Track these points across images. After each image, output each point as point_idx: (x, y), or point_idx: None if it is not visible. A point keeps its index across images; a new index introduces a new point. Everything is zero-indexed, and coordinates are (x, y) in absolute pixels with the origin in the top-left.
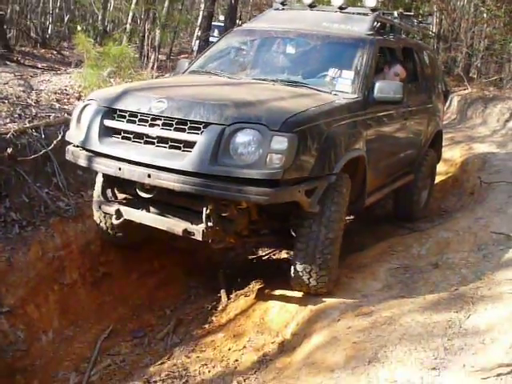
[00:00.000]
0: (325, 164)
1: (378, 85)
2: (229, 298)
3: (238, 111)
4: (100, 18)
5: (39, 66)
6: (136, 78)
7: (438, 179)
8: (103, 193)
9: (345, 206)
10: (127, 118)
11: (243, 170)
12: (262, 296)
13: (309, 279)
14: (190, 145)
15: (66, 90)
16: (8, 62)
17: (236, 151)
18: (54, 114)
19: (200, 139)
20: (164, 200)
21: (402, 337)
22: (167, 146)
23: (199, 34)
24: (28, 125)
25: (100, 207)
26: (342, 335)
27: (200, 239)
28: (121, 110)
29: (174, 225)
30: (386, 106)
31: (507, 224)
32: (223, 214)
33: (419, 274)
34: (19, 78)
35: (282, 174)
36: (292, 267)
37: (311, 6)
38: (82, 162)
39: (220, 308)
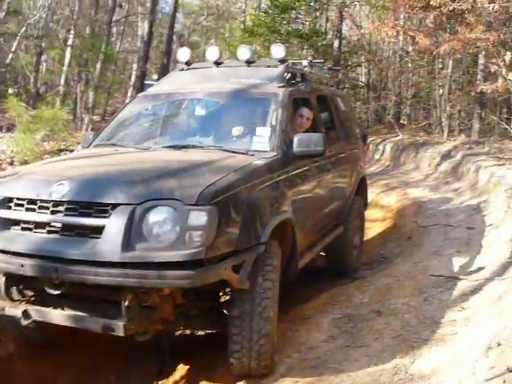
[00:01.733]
0: (251, 234)
1: (296, 139)
2: (174, 361)
3: (147, 187)
4: (32, 80)
5: None
6: (70, 141)
7: (375, 226)
8: (7, 293)
9: (277, 277)
10: (26, 206)
11: (160, 252)
12: (208, 357)
13: (248, 362)
14: (98, 230)
15: None
16: None
17: (151, 232)
18: None
19: (109, 223)
20: (77, 294)
21: None
22: (73, 234)
23: (133, 93)
24: None
25: (4, 310)
26: None
27: (122, 335)
28: (18, 198)
29: (92, 322)
30: (307, 160)
31: (445, 266)
32: (145, 304)
33: (363, 323)
34: None
35: (205, 252)
36: (229, 350)
37: (217, 63)
38: None
39: (165, 372)
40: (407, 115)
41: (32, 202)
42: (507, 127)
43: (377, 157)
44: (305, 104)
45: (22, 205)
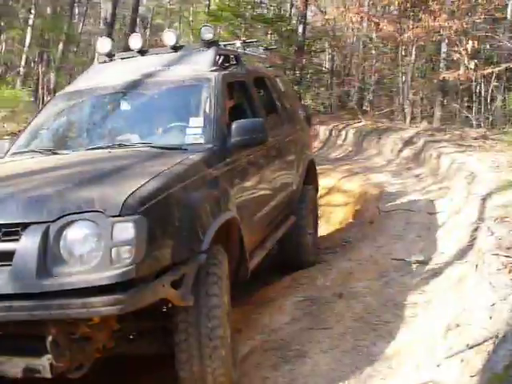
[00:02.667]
0: (189, 242)
1: (234, 127)
2: None
3: (61, 200)
4: None
5: None
6: None
7: (338, 210)
8: None
9: (225, 285)
10: None
11: (83, 276)
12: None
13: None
14: (8, 257)
15: None
16: None
17: (70, 253)
18: None
19: (19, 247)
20: None
21: (313, 368)
22: None
23: None
24: None
25: None
26: (252, 372)
27: (49, 376)
28: None
29: (10, 365)
30: (249, 148)
31: (406, 250)
32: (73, 336)
33: (325, 305)
34: None
35: (135, 270)
36: (179, 374)
37: (142, 52)
38: None
39: None
40: (370, 102)
41: None
42: (468, 115)
43: (339, 142)
44: (241, 88)
45: None
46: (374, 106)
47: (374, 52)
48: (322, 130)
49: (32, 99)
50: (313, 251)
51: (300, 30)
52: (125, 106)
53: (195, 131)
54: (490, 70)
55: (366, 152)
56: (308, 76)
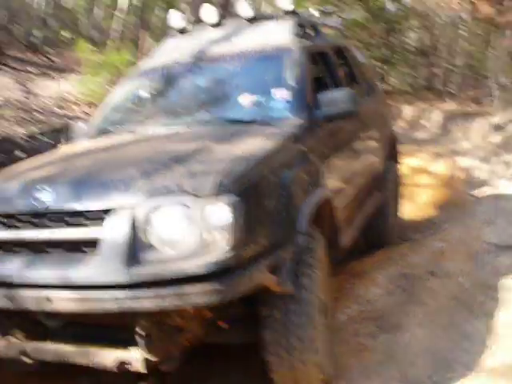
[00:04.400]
0: (286, 224)
1: (323, 98)
2: None
3: (148, 182)
4: (85, 23)
5: (32, 70)
6: None
7: (423, 191)
8: None
9: (324, 272)
10: (2, 222)
11: (176, 264)
12: None
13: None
14: (94, 245)
15: (65, 96)
16: (2, 67)
17: (161, 239)
18: (57, 120)
19: (105, 234)
20: (81, 324)
21: (410, 340)
22: (64, 251)
23: None
24: (35, 129)
25: None
26: (350, 339)
27: (143, 371)
28: None
29: (102, 356)
30: (337, 122)
31: (497, 234)
32: (164, 327)
33: (418, 282)
34: (17, 82)
35: (234, 257)
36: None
37: (216, 25)
38: None
39: None
40: (457, 84)
41: (9, 216)
42: None
43: (425, 124)
44: (323, 58)
45: None
46: (461, 89)
47: (465, 33)
48: (408, 110)
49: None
50: (395, 229)
51: (389, 7)
52: (203, 81)
53: (281, 104)
54: None
55: (452, 135)
56: (394, 55)
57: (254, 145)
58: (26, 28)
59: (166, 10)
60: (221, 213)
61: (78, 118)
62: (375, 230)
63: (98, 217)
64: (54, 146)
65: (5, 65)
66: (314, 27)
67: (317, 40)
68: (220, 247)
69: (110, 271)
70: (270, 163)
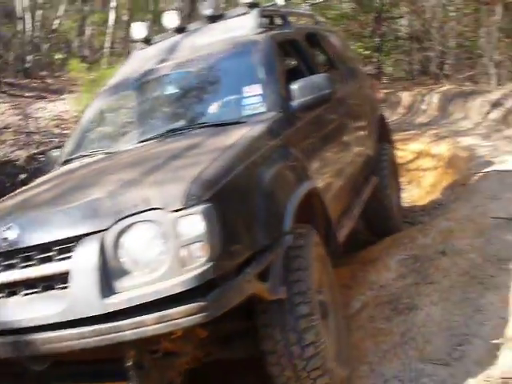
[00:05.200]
0: (270, 224)
1: (296, 86)
2: None
3: (113, 202)
4: (77, 45)
5: (27, 95)
6: None
7: (428, 174)
8: None
9: (323, 268)
10: None
11: (154, 286)
12: None
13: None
14: (65, 278)
15: (61, 115)
16: None
17: (134, 262)
18: (56, 139)
19: (75, 265)
20: (68, 362)
21: (425, 319)
22: (37, 290)
23: None
24: (35, 151)
25: None
26: (367, 324)
27: None
28: None
29: None
30: (315, 109)
31: (504, 208)
32: (156, 355)
33: (429, 262)
34: (14, 107)
35: (213, 269)
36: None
37: (179, 30)
38: None
39: None
40: (452, 65)
41: None
42: None
43: (424, 107)
44: (293, 47)
45: None
46: (456, 70)
47: (455, 14)
48: (405, 96)
49: None
50: (398, 214)
51: None
52: (171, 89)
53: (254, 100)
54: None
55: (452, 116)
56: (387, 43)
57: (226, 146)
58: (19, 54)
59: (154, 21)
60: (193, 224)
61: None
62: (377, 217)
63: (65, 248)
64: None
65: (1, 92)
66: (282, 17)
67: (285, 29)
68: (198, 261)
69: (84, 304)
70: (244, 162)
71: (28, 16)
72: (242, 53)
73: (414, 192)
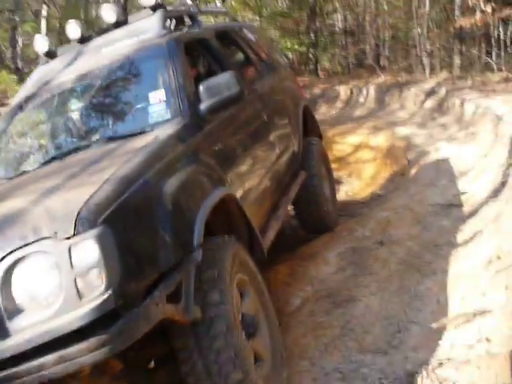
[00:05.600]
0: (178, 240)
1: (202, 88)
2: None
3: (2, 236)
4: (10, 56)
5: None
6: None
7: (367, 166)
8: None
9: (250, 277)
10: None
11: (49, 323)
12: None
13: None
14: None
15: None
16: None
17: (28, 299)
18: None
19: None
20: None
21: (364, 310)
22: None
23: None
24: None
25: None
26: (307, 319)
27: None
28: None
29: None
30: (226, 110)
31: (440, 195)
32: None
33: (368, 253)
34: None
35: (114, 298)
36: None
37: (82, 40)
38: None
39: None
40: (387, 57)
41: None
42: (489, 60)
43: (361, 100)
44: (202, 47)
45: None
46: (391, 61)
47: (386, 7)
48: (343, 90)
49: None
50: (332, 208)
51: None
52: (74, 103)
53: (158, 107)
54: (508, 12)
55: (389, 107)
56: (323, 38)
57: (125, 159)
58: None
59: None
60: (87, 250)
61: None
62: (309, 213)
63: None
64: None
65: None
66: (191, 17)
67: (193, 29)
68: (95, 291)
69: None
70: (144, 176)
71: None
72: (144, 58)
73: (355, 184)
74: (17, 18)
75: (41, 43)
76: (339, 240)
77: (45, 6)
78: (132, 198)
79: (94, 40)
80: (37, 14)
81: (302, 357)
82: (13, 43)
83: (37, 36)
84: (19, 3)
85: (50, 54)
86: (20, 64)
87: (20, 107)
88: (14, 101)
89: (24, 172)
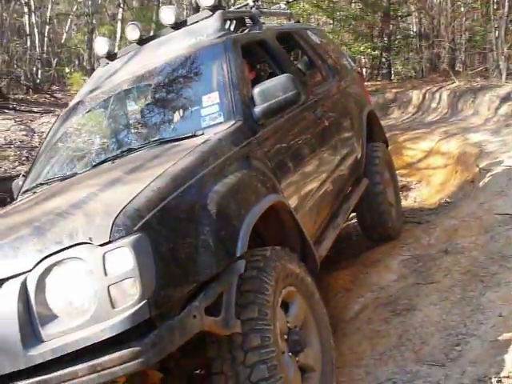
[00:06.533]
0: (219, 249)
1: (256, 91)
2: None
3: (37, 240)
4: (86, 58)
5: (35, 110)
6: None
7: (437, 173)
8: None
9: (302, 290)
10: None
11: (82, 332)
12: None
13: None
14: None
15: None
16: (6, 110)
17: (61, 306)
18: None
19: None
20: None
21: (423, 320)
22: None
23: None
24: None
25: None
26: (364, 326)
27: None
28: None
29: None
30: (283, 114)
31: (510, 205)
32: None
33: (431, 262)
34: (19, 123)
35: (149, 308)
36: None
37: (141, 42)
38: None
39: None
40: (462, 61)
41: None
42: None
43: (434, 105)
44: (262, 49)
45: None
46: (466, 66)
47: (462, 9)
48: (415, 95)
49: None
50: (396, 216)
51: None
52: (130, 105)
53: (211, 110)
54: None
55: (462, 113)
56: (396, 42)
57: (171, 163)
58: (29, 70)
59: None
60: (121, 258)
61: None
62: (372, 221)
63: None
64: None
65: (8, 108)
66: (251, 18)
67: (251, 30)
68: (130, 299)
69: (5, 358)
70: (189, 180)
71: (36, 31)
72: (199, 58)
73: (424, 191)
74: (94, 22)
75: (101, 45)
76: (404, 247)
77: (120, 10)
78: (175, 203)
79: (151, 41)
80: (113, 17)
81: (357, 365)
82: (89, 45)
83: (97, 38)
84: (98, 7)
85: (110, 56)
86: (96, 65)
87: (76, 108)
88: (72, 102)
89: (75, 174)
